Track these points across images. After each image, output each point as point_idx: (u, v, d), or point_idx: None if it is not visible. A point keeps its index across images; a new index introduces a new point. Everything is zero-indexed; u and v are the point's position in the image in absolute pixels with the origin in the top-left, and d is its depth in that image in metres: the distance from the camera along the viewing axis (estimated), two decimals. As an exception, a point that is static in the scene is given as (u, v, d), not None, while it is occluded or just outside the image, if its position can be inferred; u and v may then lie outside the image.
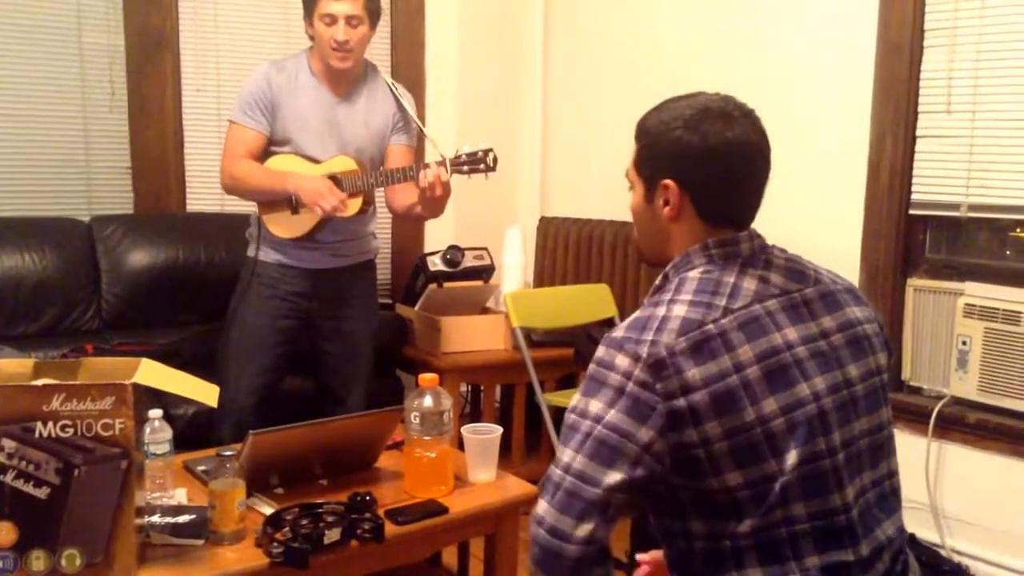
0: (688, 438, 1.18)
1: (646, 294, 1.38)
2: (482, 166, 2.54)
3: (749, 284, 1.27)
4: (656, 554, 1.52)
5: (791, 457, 1.19)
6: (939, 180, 2.76)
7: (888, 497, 1.32)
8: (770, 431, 1.19)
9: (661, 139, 1.32)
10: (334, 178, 2.62)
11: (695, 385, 1.18)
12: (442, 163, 2.53)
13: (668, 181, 1.31)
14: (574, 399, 1.27)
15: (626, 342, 1.22)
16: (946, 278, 2.80)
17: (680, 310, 1.23)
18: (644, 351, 1.20)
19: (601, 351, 1.25)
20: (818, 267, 1.38)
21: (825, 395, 1.23)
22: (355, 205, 2.64)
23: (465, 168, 2.55)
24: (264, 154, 2.70)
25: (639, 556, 1.58)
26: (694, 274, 1.29)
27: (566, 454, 1.24)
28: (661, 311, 1.24)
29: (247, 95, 2.67)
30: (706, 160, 1.28)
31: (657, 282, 1.36)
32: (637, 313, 1.27)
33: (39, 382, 1.60)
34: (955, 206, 2.73)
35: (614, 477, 1.19)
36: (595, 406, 1.22)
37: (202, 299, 3.23)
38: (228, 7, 3.61)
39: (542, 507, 1.25)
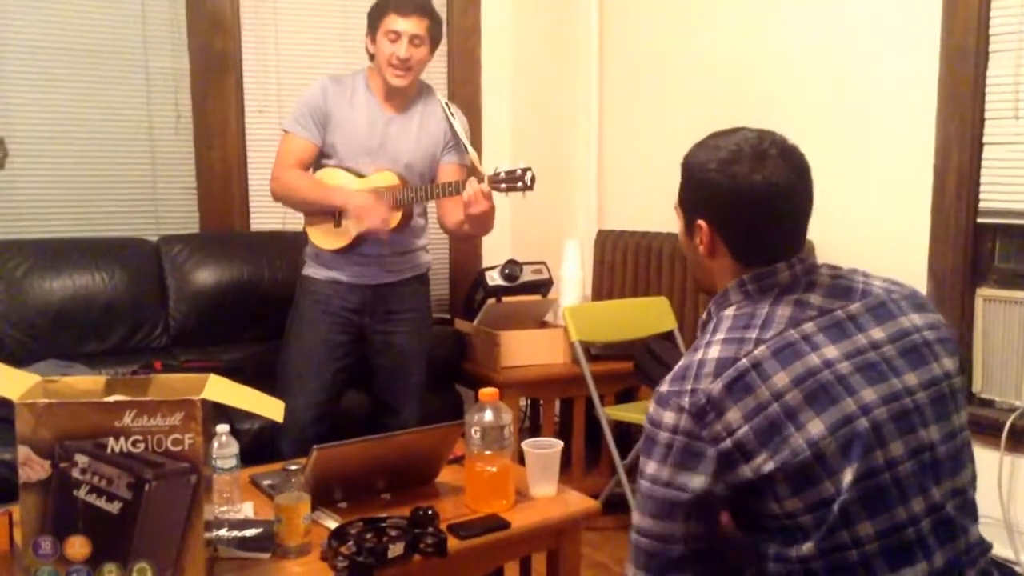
0: (743, 475, 1.19)
1: (704, 308, 1.39)
2: (519, 184, 2.57)
3: (783, 311, 1.27)
4: None
5: (847, 475, 1.17)
6: (1008, 187, 2.69)
7: (970, 505, 1.30)
8: (820, 453, 1.18)
9: (696, 178, 1.35)
10: (376, 193, 2.66)
11: (737, 424, 1.19)
12: (480, 179, 2.57)
13: (701, 221, 1.35)
14: (640, 460, 1.31)
15: (671, 396, 1.25)
16: (1016, 287, 2.72)
17: (715, 351, 1.25)
18: (686, 402, 1.22)
19: (651, 409, 1.28)
20: (871, 279, 1.36)
21: (877, 406, 1.21)
22: (394, 219, 2.68)
23: (503, 186, 2.58)
24: (314, 166, 2.76)
25: None
26: (729, 312, 1.31)
27: (635, 516, 1.29)
28: (698, 355, 1.26)
29: (302, 106, 2.74)
30: (735, 203, 1.31)
31: (703, 318, 1.39)
32: (681, 360, 1.29)
33: (111, 399, 1.63)
34: (1025, 214, 2.66)
35: (682, 528, 1.24)
36: (651, 466, 1.26)
37: (266, 316, 3.27)
38: (289, 29, 3.68)
39: (631, 571, 1.30)
